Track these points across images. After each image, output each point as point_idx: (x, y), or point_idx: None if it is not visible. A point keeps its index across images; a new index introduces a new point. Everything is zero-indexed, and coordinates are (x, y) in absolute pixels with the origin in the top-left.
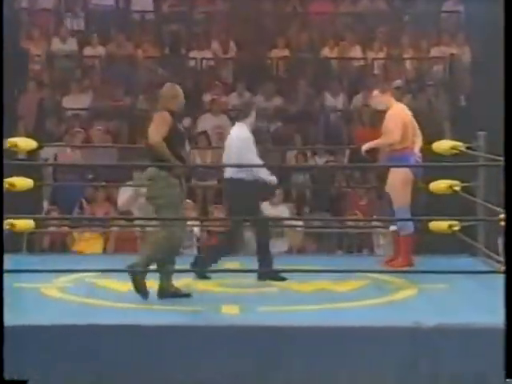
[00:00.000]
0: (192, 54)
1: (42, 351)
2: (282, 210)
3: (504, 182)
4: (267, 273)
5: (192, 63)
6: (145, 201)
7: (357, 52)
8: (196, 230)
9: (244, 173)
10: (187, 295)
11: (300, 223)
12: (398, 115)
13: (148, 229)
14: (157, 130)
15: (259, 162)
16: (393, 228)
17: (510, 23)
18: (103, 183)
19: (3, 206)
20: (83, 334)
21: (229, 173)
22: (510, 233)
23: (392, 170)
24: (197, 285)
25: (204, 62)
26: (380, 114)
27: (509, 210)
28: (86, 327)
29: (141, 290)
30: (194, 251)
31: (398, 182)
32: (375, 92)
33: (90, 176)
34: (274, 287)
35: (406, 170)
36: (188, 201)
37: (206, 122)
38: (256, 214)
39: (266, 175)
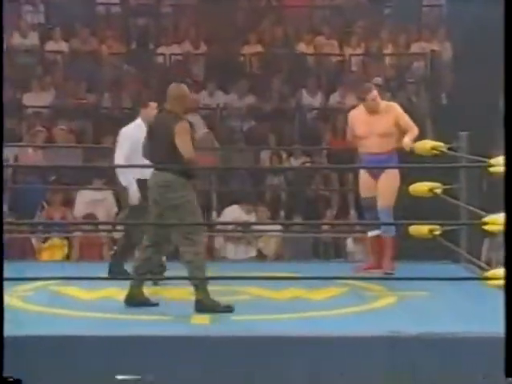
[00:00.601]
0: (160, 49)
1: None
2: (238, 212)
3: (504, 182)
4: (119, 272)
5: (160, 59)
6: (155, 208)
7: (334, 47)
8: None
9: (121, 176)
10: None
11: (275, 228)
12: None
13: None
14: (187, 144)
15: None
16: (372, 233)
17: (510, 23)
18: (74, 186)
19: (3, 207)
20: (43, 344)
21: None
22: (510, 234)
23: (388, 170)
24: (165, 293)
25: (173, 58)
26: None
27: (509, 210)
28: (46, 338)
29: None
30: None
31: (394, 182)
32: (375, 92)
33: (52, 178)
34: (246, 295)
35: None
36: None
37: None
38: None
39: (128, 182)
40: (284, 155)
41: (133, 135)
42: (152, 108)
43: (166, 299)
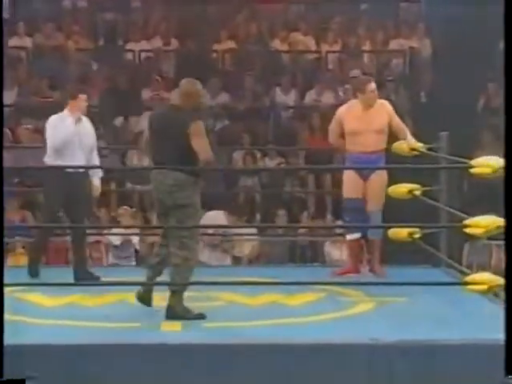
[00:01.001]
0: (129, 45)
1: None
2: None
3: (504, 182)
4: (85, 276)
5: (129, 56)
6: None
7: (310, 44)
8: (135, 240)
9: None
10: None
11: (250, 231)
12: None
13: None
14: (204, 145)
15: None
16: (351, 236)
17: (510, 23)
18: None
19: (3, 209)
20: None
21: None
22: (511, 236)
23: (378, 171)
24: (132, 298)
25: (142, 54)
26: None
27: (509, 213)
28: (8, 347)
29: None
30: (133, 263)
31: (384, 183)
32: (374, 84)
33: (16, 180)
34: (220, 301)
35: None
36: (125, 207)
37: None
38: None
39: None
40: (258, 155)
41: (57, 126)
42: (81, 100)
43: (137, 304)
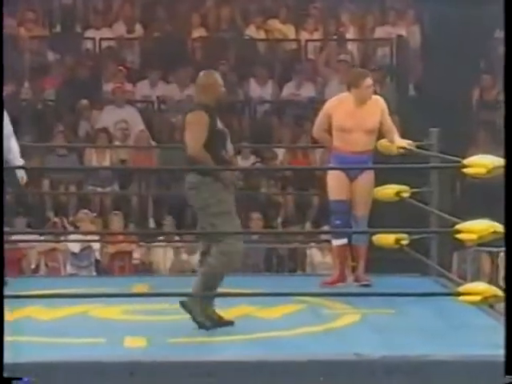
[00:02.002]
0: (89, 32)
1: None
2: None
3: (504, 183)
4: None
5: (89, 44)
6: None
7: (288, 32)
8: (95, 247)
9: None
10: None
11: None
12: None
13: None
14: (194, 137)
15: None
16: (338, 242)
17: (510, 23)
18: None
19: (3, 208)
20: None
21: None
22: (511, 239)
23: (366, 172)
24: (95, 312)
25: (104, 42)
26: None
27: (509, 217)
28: None
29: (208, 320)
30: (93, 273)
31: (372, 186)
32: (370, 80)
33: None
34: (188, 314)
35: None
36: (84, 211)
37: (109, 116)
38: None
39: None
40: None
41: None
42: None
43: (100, 318)
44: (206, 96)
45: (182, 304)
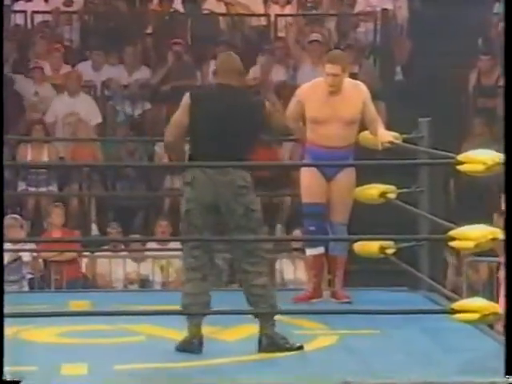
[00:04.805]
0: (19, 5)
1: None
2: None
3: (504, 184)
4: None
5: (19, 19)
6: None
7: (254, 5)
8: (27, 257)
9: None
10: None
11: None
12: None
13: None
14: (170, 123)
15: None
16: (313, 252)
17: (510, 23)
18: None
19: (3, 209)
20: None
21: None
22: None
23: (346, 170)
24: (26, 334)
25: (37, 17)
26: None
27: (509, 215)
28: None
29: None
30: (25, 287)
31: (353, 187)
32: (334, 67)
33: None
34: (139, 335)
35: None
36: (14, 216)
37: (59, 106)
38: None
39: None
40: None
41: None
42: None
43: (32, 342)
44: (240, 79)
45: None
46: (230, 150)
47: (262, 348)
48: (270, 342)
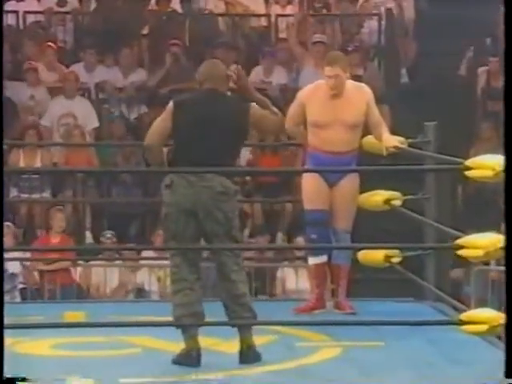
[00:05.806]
0: (10, 4)
1: None
2: None
3: (504, 184)
4: None
5: (11, 19)
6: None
7: (255, 5)
8: (16, 267)
9: None
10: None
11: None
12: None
13: None
14: (152, 126)
15: None
16: (315, 260)
17: (510, 23)
18: None
19: (3, 210)
20: None
21: None
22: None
23: (350, 176)
24: (19, 347)
25: (29, 17)
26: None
27: (510, 228)
28: None
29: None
30: (17, 298)
31: (356, 193)
32: (334, 69)
33: None
34: (137, 348)
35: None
36: (6, 223)
37: (55, 109)
38: None
39: None
40: None
41: None
42: None
43: (20, 354)
44: (225, 85)
45: None
46: (211, 156)
47: (245, 359)
48: (252, 353)
